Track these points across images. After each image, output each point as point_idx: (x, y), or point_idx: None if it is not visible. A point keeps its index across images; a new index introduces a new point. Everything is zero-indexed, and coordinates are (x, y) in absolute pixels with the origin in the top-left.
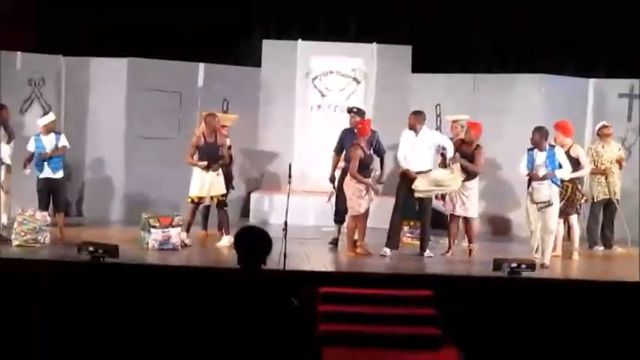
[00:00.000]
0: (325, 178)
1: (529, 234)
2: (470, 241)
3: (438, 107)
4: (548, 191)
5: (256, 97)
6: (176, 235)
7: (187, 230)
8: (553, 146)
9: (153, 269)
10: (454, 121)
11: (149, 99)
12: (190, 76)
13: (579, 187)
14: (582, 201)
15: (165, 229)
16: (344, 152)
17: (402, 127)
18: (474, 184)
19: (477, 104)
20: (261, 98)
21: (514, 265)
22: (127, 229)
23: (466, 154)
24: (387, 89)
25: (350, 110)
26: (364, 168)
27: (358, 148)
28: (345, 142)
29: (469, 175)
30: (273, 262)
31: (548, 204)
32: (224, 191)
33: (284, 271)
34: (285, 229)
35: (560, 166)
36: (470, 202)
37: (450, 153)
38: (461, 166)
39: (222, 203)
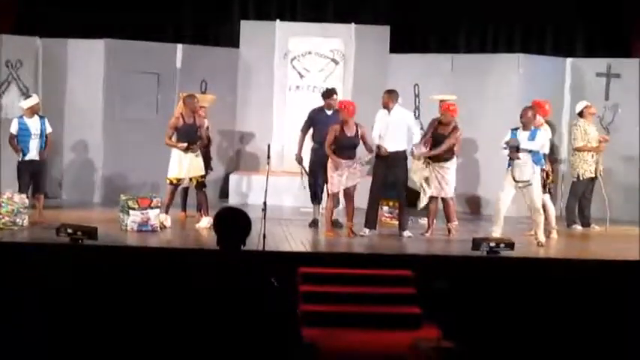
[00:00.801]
0: (305, 158)
1: (495, 212)
2: (448, 220)
3: (416, 87)
4: (530, 170)
5: (234, 78)
6: (155, 216)
7: (166, 212)
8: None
9: (132, 251)
10: (441, 101)
11: (127, 80)
12: (168, 58)
13: (545, 167)
14: (549, 181)
15: (144, 211)
16: (311, 131)
17: (381, 107)
18: (452, 165)
19: (455, 84)
20: (239, 79)
21: (493, 244)
22: (106, 211)
23: (443, 135)
24: (366, 70)
25: (333, 92)
26: (341, 148)
27: (338, 126)
28: (316, 122)
29: (446, 155)
30: (253, 242)
31: (528, 183)
32: (203, 172)
33: (263, 252)
34: (264, 210)
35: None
36: (446, 182)
37: (416, 138)
38: (434, 145)
39: (201, 184)
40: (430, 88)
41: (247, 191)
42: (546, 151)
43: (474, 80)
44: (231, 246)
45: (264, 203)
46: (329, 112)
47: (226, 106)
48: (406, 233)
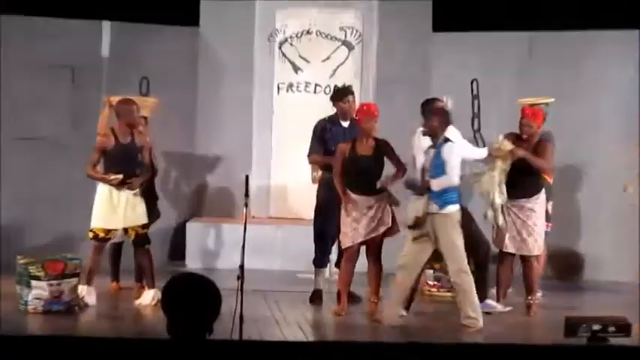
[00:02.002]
0: (304, 197)
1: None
2: (529, 292)
3: (474, 84)
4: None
5: (193, 74)
6: (71, 289)
7: (88, 282)
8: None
9: (36, 342)
10: (529, 107)
11: (25, 78)
12: (89, 42)
13: None
14: None
15: (55, 281)
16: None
17: (417, 115)
18: (539, 203)
19: (535, 78)
20: (200, 75)
21: (597, 326)
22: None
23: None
24: (396, 58)
25: (349, 91)
26: (355, 178)
27: (347, 144)
28: (327, 139)
29: (529, 189)
30: (224, 328)
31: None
32: (145, 221)
33: (241, 342)
34: (240, 278)
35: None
36: (529, 232)
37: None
38: (512, 174)
39: (142, 239)
40: (496, 84)
41: (214, 248)
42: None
43: (564, 71)
44: (189, 334)
45: (241, 267)
46: (345, 124)
47: (181, 115)
48: (500, 306)
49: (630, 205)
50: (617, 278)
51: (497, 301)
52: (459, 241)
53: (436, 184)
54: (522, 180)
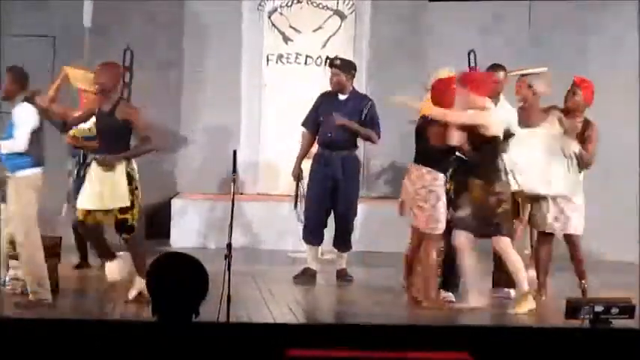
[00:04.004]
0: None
1: None
2: (581, 276)
3: (471, 55)
4: None
5: (179, 44)
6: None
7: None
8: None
9: (14, 325)
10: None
11: (5, 48)
12: (71, 11)
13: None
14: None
15: None
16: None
17: (414, 88)
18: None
19: (535, 50)
20: (186, 45)
21: (600, 308)
22: None
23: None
24: (391, 27)
25: (331, 63)
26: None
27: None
28: (322, 112)
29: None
30: (211, 310)
31: None
32: (127, 202)
33: (228, 325)
34: (228, 257)
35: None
36: (573, 210)
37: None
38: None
39: (124, 225)
40: (494, 55)
41: (200, 227)
42: None
43: (567, 43)
44: (174, 316)
45: (229, 246)
46: (342, 97)
47: (166, 88)
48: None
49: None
50: (619, 258)
51: (539, 289)
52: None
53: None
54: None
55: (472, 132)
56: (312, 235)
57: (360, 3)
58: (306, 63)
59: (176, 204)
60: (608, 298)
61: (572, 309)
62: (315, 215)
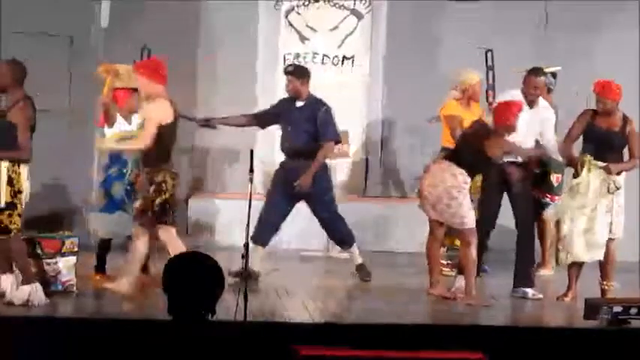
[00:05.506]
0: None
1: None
2: (604, 277)
3: (489, 54)
4: None
5: (195, 42)
6: (69, 268)
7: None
8: None
9: (31, 324)
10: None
11: (20, 46)
12: (88, 11)
13: None
14: None
15: (52, 259)
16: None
17: (433, 91)
18: (619, 184)
19: (550, 50)
20: (202, 45)
21: (618, 308)
22: None
23: (611, 133)
24: (408, 28)
25: (285, 70)
26: None
27: None
28: (281, 118)
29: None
30: (227, 309)
31: None
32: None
33: (246, 324)
34: (245, 257)
35: None
36: (618, 212)
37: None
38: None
39: None
40: (511, 55)
41: (217, 226)
42: None
43: (580, 40)
44: (190, 315)
45: (246, 245)
46: (299, 103)
47: (182, 88)
48: (531, 292)
49: None
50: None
51: (568, 288)
52: None
53: None
54: (604, 155)
55: None
56: (262, 235)
57: (376, 3)
58: (322, 62)
59: (193, 203)
60: (627, 298)
61: (591, 309)
62: (269, 218)
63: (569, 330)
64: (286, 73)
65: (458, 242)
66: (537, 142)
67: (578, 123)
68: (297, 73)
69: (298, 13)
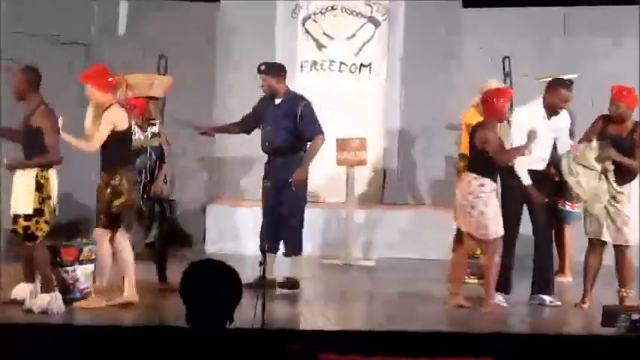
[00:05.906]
0: (326, 179)
1: None
2: (623, 283)
3: (506, 62)
4: None
5: (212, 51)
6: (87, 275)
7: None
8: None
9: (51, 330)
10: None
11: (33, 53)
12: (105, 19)
13: None
14: None
15: (70, 267)
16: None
17: (451, 97)
18: (634, 190)
19: (570, 57)
20: (219, 52)
21: (636, 316)
22: (9, 266)
23: (619, 140)
24: (424, 35)
25: (258, 70)
26: None
27: None
28: (261, 117)
29: (625, 175)
30: (246, 316)
31: None
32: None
33: (264, 332)
34: (263, 264)
35: None
36: (624, 220)
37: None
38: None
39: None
40: (528, 62)
41: (235, 233)
42: None
43: (599, 48)
44: (209, 323)
45: (263, 252)
46: (277, 100)
47: (199, 95)
48: (549, 299)
49: None
50: None
51: (584, 295)
52: None
53: None
54: (616, 165)
55: None
56: (265, 242)
57: (393, 10)
58: (340, 70)
59: (211, 210)
60: None
61: (609, 316)
62: (267, 222)
63: (586, 337)
64: (259, 72)
65: (478, 251)
66: (554, 147)
67: (591, 129)
68: (271, 71)
69: (315, 21)
